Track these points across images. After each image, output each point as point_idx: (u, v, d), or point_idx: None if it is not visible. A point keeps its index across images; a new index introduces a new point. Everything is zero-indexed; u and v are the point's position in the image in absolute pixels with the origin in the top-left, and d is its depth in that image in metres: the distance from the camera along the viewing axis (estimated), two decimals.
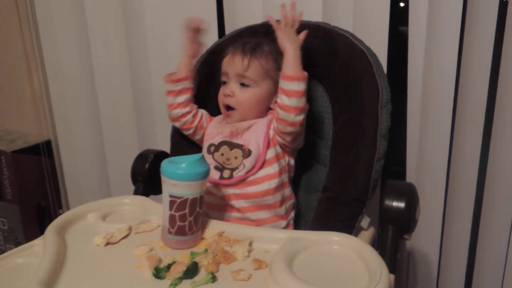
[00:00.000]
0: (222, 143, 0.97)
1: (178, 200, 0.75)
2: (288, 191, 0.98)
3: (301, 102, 0.89)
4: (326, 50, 1.01)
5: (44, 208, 1.83)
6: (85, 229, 0.83)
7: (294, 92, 0.89)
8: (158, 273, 0.69)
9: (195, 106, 1.05)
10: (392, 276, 0.75)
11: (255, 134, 0.95)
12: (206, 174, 0.77)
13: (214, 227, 0.82)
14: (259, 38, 1.00)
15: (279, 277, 0.66)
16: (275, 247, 0.75)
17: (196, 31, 1.00)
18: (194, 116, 1.04)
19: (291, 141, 0.94)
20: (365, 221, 0.95)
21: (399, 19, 1.29)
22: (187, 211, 0.76)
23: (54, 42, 1.65)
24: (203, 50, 1.07)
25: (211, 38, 1.16)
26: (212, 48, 1.13)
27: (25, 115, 1.85)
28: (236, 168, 0.94)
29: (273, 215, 0.95)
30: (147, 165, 1.06)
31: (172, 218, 0.76)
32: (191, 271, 0.69)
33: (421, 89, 1.26)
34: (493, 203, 1.29)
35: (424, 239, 1.39)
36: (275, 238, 0.78)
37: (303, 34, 0.93)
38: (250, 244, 0.76)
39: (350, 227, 0.92)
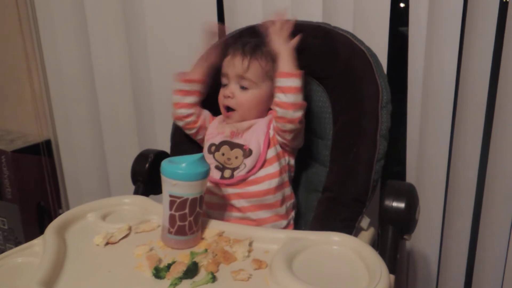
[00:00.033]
0: (223, 143, 0.97)
1: (178, 200, 0.75)
2: (288, 190, 0.98)
3: (298, 98, 0.90)
4: (326, 50, 1.02)
5: (44, 208, 1.83)
6: (85, 229, 0.83)
7: (290, 88, 0.89)
8: (158, 273, 0.69)
9: (200, 108, 1.05)
10: (392, 276, 0.75)
11: (256, 134, 0.96)
12: (206, 174, 0.77)
13: (214, 227, 0.82)
14: (259, 39, 1.00)
15: (279, 277, 0.66)
16: (275, 247, 0.74)
17: (214, 35, 1.01)
18: (198, 116, 1.04)
19: (291, 139, 0.94)
20: (365, 221, 0.95)
21: (399, 19, 1.29)
22: (187, 211, 0.76)
23: (54, 42, 1.65)
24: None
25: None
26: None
27: (25, 115, 1.85)
28: (237, 167, 0.94)
29: (273, 214, 0.95)
30: (147, 165, 1.06)
31: (172, 218, 0.76)
32: (191, 271, 0.69)
33: (421, 89, 1.26)
34: (493, 203, 1.29)
35: (424, 239, 1.39)
36: (275, 238, 0.78)
37: (296, 39, 0.95)
38: (250, 244, 0.76)
39: (350, 227, 0.92)
